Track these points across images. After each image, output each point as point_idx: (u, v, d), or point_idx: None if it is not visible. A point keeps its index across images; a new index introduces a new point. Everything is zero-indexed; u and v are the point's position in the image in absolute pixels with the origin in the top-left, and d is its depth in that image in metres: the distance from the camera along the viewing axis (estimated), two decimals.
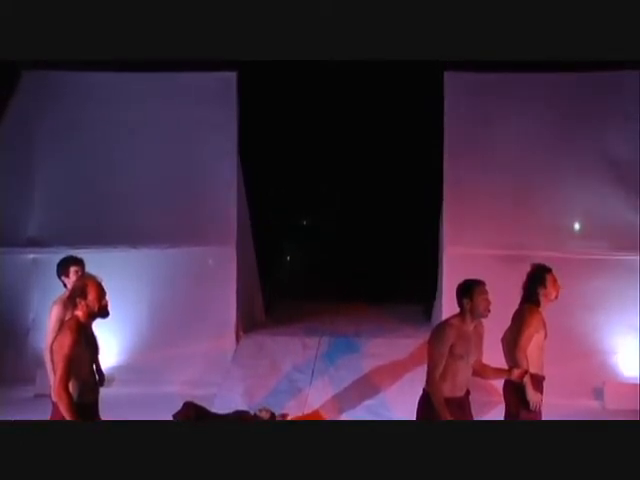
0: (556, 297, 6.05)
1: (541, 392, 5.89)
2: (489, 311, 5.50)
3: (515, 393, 5.86)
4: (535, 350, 5.89)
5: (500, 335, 6.16)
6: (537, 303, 5.97)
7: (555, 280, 6.02)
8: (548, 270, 6.04)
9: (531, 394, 5.74)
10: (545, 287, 5.98)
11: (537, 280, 6.00)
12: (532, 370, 5.81)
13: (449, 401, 5.40)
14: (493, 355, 6.15)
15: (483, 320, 5.62)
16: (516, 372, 5.70)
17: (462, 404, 5.57)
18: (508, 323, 6.16)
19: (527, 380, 5.72)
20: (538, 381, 5.88)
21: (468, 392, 5.63)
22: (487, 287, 5.57)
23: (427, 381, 5.48)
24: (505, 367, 5.92)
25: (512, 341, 5.91)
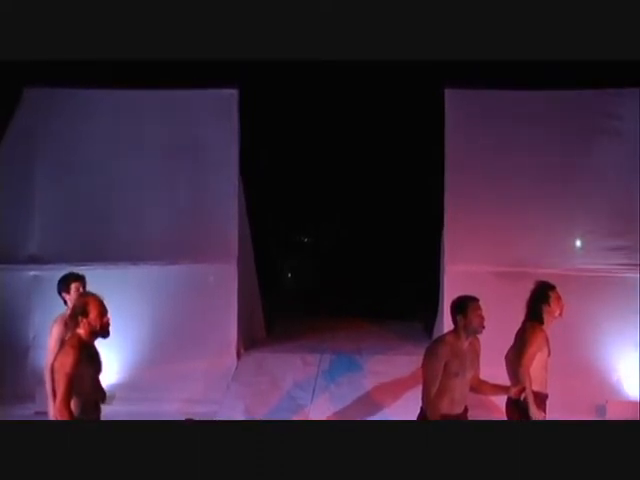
0: (560, 315, 6.06)
1: (544, 410, 5.88)
2: (483, 327, 5.53)
3: (518, 411, 5.86)
4: (538, 368, 5.88)
5: (502, 352, 6.16)
6: (541, 321, 5.98)
7: (559, 298, 6.02)
8: (552, 287, 6.04)
9: (534, 412, 5.73)
10: (549, 305, 5.99)
11: (541, 297, 6.00)
12: (535, 388, 5.80)
13: (447, 418, 5.42)
14: (496, 372, 6.15)
15: (482, 336, 5.62)
16: (513, 389, 5.70)
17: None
18: (510, 340, 6.16)
19: (530, 398, 5.71)
20: (541, 399, 5.87)
21: (466, 409, 5.62)
22: (488, 304, 5.59)
23: (423, 399, 5.49)
24: (508, 384, 5.91)
25: (515, 359, 5.91)
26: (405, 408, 7.61)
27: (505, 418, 6.08)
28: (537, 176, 9.07)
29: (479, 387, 5.77)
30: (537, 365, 5.88)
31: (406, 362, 8.75)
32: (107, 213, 9.37)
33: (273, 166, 12.67)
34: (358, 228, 14.29)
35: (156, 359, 9.06)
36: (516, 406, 5.84)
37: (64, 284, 6.53)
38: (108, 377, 6.91)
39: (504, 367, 6.10)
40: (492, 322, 5.61)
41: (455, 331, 5.54)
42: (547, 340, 5.97)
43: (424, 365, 5.52)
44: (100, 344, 5.25)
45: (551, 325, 6.04)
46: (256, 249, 10.74)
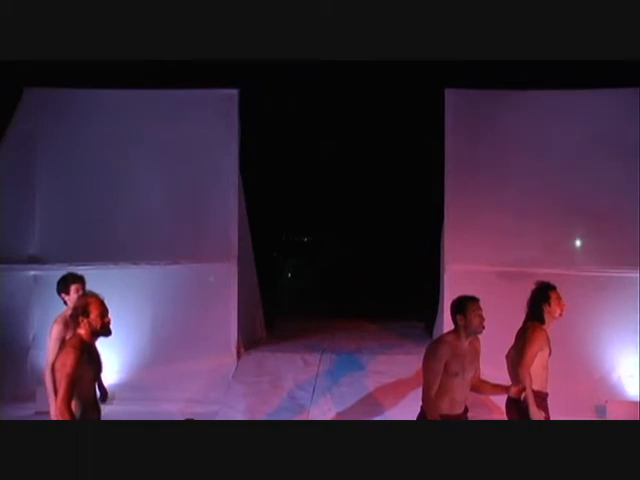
0: (560, 315, 6.06)
1: (544, 409, 5.87)
2: (483, 327, 5.53)
3: (518, 410, 5.85)
4: (539, 368, 5.88)
5: (502, 352, 6.15)
6: (542, 321, 5.98)
7: (559, 298, 6.03)
8: (552, 288, 6.05)
9: (534, 411, 5.72)
10: (549, 305, 5.99)
11: (541, 298, 6.00)
12: (535, 388, 5.80)
13: (447, 418, 5.41)
14: (496, 372, 6.15)
15: (482, 336, 5.62)
16: (514, 389, 5.70)
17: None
18: (510, 340, 6.16)
19: (530, 397, 5.71)
20: (541, 398, 5.87)
21: (466, 409, 5.62)
22: (488, 304, 5.59)
23: (423, 399, 5.49)
24: (508, 384, 5.91)
25: (516, 359, 5.91)
26: (406, 408, 7.61)
27: (505, 418, 6.08)
28: (537, 176, 9.07)
29: (479, 387, 5.77)
30: (538, 364, 5.88)
31: (407, 362, 8.75)
32: (107, 213, 9.37)
33: (273, 166, 12.67)
34: (358, 227, 14.29)
35: (156, 359, 9.06)
36: (516, 406, 5.83)
37: (63, 285, 6.54)
38: (108, 377, 6.94)
39: (504, 367, 6.10)
40: (492, 322, 5.61)
41: (455, 331, 5.54)
42: (548, 340, 5.98)
43: (424, 365, 5.52)
44: (101, 344, 5.26)
45: (552, 325, 6.04)
46: (256, 249, 10.74)
